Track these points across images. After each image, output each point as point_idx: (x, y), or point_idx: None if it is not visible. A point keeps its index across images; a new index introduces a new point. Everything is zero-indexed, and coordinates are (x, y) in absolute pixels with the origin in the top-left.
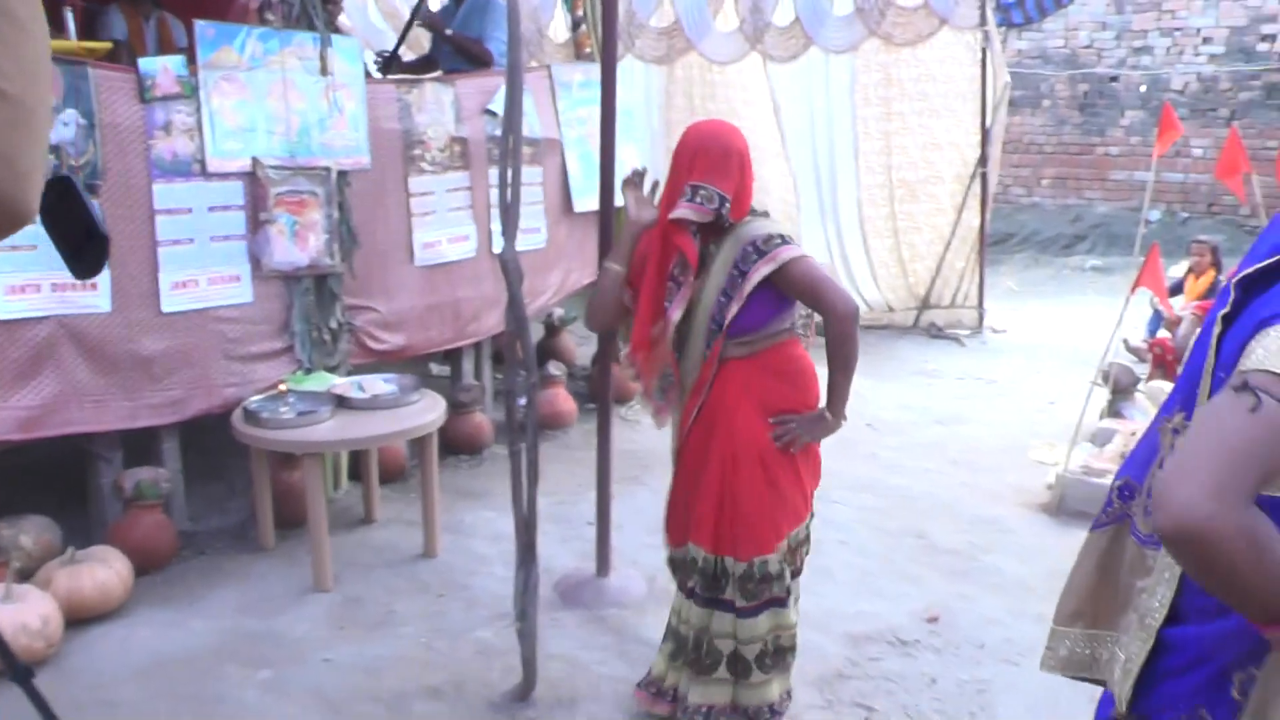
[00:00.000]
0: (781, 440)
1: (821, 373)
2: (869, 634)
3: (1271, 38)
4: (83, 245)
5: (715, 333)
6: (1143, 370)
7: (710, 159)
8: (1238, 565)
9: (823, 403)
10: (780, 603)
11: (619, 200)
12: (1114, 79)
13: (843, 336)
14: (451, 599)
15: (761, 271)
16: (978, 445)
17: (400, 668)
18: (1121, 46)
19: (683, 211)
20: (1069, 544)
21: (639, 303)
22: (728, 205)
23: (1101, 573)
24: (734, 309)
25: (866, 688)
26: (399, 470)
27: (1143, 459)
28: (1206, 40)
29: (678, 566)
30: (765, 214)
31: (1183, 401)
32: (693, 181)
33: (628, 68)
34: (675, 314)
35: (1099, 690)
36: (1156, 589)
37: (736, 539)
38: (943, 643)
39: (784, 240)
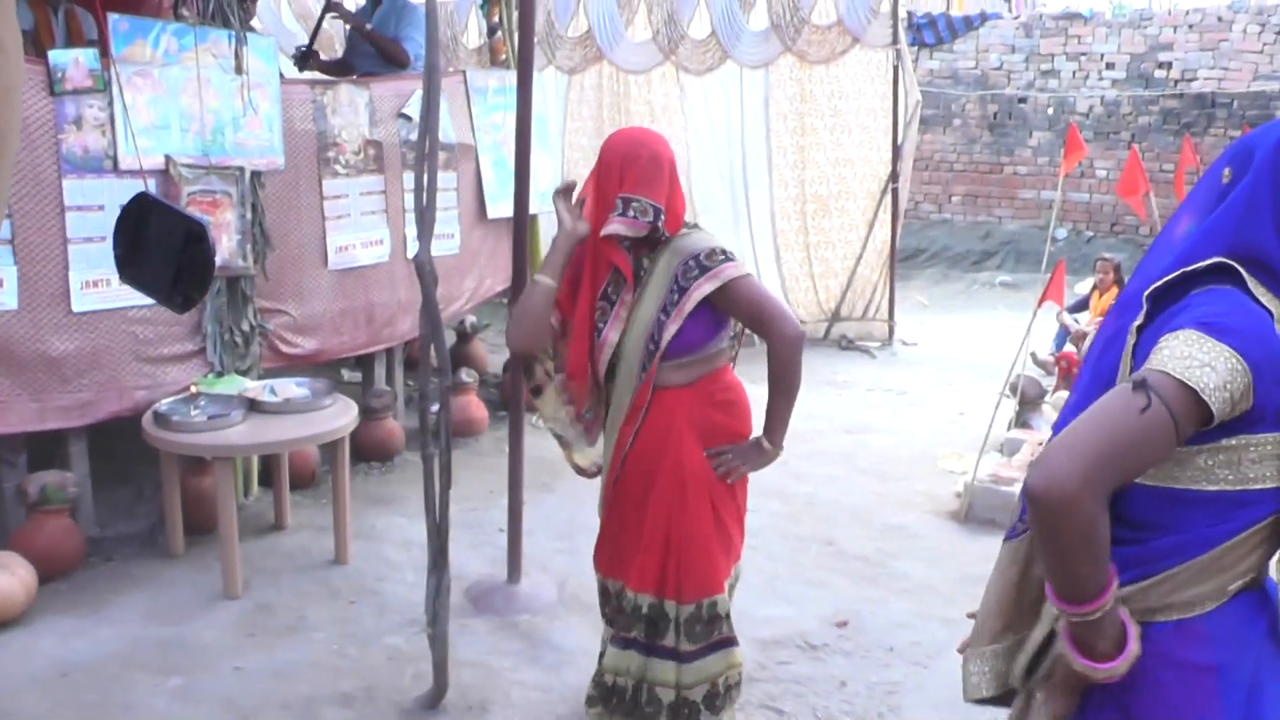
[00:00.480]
0: (719, 472)
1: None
2: (778, 638)
3: (1168, 65)
4: (181, 267)
5: (653, 354)
6: (1049, 382)
7: (639, 168)
8: (1070, 543)
9: (758, 430)
10: (731, 642)
11: (534, 207)
12: (1022, 100)
13: (786, 361)
14: (362, 605)
15: (703, 289)
16: (887, 454)
17: (311, 674)
18: (1030, 69)
19: (616, 227)
20: (977, 550)
21: (575, 324)
22: (663, 217)
23: (1023, 580)
24: (672, 328)
25: (776, 690)
26: (310, 476)
27: None
28: (1110, 65)
29: (612, 610)
30: (697, 226)
31: (1079, 404)
32: (624, 194)
33: (545, 77)
34: (612, 334)
35: None
36: None
37: (683, 580)
38: (852, 646)
39: (727, 256)
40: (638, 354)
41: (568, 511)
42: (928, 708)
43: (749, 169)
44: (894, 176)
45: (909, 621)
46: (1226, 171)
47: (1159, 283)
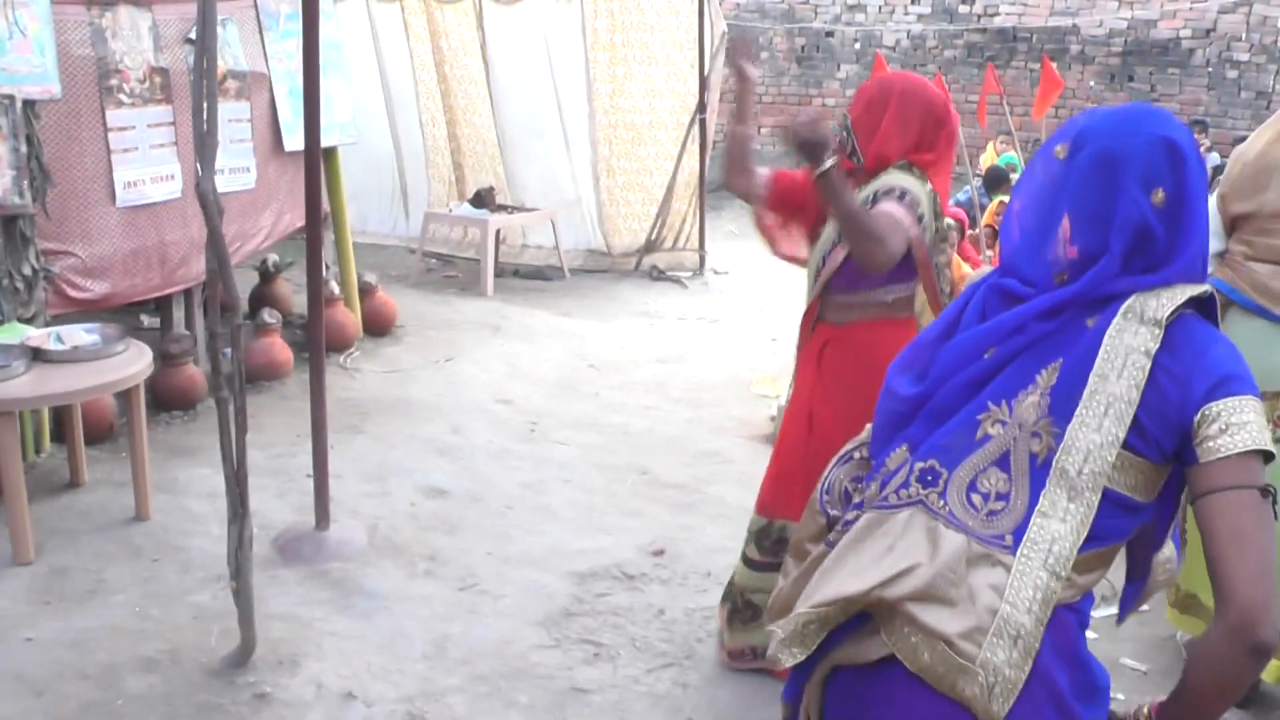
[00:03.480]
0: None
1: None
2: (595, 570)
3: (971, 0)
4: None
5: None
6: None
7: None
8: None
9: None
10: None
11: (327, 139)
12: (830, 34)
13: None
14: (166, 562)
15: None
16: (700, 382)
17: (111, 640)
18: (836, 4)
19: None
20: None
21: None
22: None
23: (887, 552)
24: None
25: (594, 624)
26: (108, 429)
27: (953, 445)
28: (915, 1)
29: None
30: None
31: (1052, 409)
32: None
33: (353, 5)
34: None
35: None
36: (1031, 608)
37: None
38: (669, 574)
39: None
40: None
41: (378, 454)
42: None
43: (566, 96)
44: (701, 108)
45: (724, 545)
46: (1061, 149)
47: (1173, 308)
